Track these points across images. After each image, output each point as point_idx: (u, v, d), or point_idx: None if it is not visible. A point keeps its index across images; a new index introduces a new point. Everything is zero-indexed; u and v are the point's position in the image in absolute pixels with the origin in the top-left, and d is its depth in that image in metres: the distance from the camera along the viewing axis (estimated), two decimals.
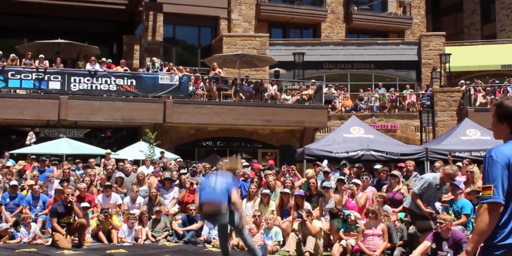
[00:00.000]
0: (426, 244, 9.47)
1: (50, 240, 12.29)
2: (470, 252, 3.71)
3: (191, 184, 14.36)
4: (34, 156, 17.97)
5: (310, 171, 15.14)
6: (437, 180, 9.87)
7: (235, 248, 11.93)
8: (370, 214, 10.55)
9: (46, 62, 22.97)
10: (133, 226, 12.96)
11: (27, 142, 21.72)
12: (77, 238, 12.19)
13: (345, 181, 13.54)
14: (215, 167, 8.51)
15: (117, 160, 18.63)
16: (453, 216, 10.22)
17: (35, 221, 13.24)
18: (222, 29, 32.40)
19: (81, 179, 15.32)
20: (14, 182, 14.68)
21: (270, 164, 19.67)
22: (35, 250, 11.37)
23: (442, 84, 31.14)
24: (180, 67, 25.69)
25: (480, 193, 3.76)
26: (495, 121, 3.94)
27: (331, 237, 11.68)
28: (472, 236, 3.74)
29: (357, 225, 10.85)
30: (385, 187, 13.33)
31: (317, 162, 17.12)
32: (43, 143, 20.89)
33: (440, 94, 29.06)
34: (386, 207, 11.97)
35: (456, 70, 32.44)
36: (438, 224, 9.37)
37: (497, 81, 28.76)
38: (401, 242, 10.77)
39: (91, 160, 18.41)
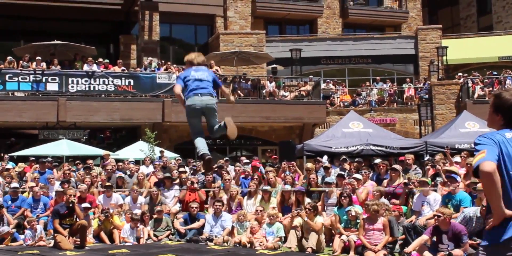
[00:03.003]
0: (424, 237, 9.51)
1: (52, 241, 12.32)
2: (497, 219, 3.72)
3: (192, 182, 14.38)
4: (34, 158, 17.98)
5: (309, 164, 15.19)
6: (477, 213, 9.81)
7: (237, 245, 11.97)
8: (369, 208, 10.58)
9: (44, 64, 22.96)
10: (136, 227, 13.00)
11: None
12: (79, 239, 12.21)
13: (345, 176, 13.61)
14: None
15: (117, 160, 18.65)
16: (452, 209, 10.25)
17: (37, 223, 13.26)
18: (219, 27, 32.38)
19: (81, 178, 15.39)
20: (15, 185, 14.70)
21: (274, 157, 19.63)
22: (37, 252, 11.39)
23: (440, 77, 31.15)
24: (174, 65, 25.65)
25: (473, 161, 3.75)
26: (491, 111, 3.99)
27: (333, 232, 11.72)
28: (490, 203, 3.73)
29: (358, 221, 10.88)
30: (385, 181, 13.37)
31: (317, 158, 17.13)
32: (42, 145, 20.89)
33: (438, 87, 29.06)
34: (386, 201, 12.00)
35: (454, 62, 32.45)
36: (436, 217, 9.42)
37: (495, 73, 28.74)
38: (403, 236, 10.81)
39: (90, 161, 18.43)
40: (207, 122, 7.53)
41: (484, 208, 9.49)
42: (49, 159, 17.78)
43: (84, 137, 23.38)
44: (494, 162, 3.63)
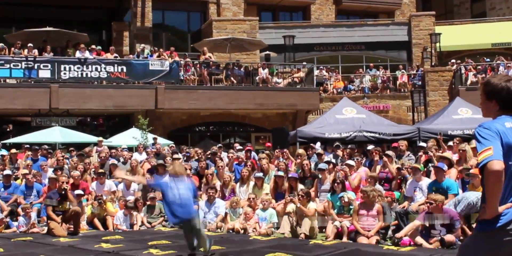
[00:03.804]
0: (416, 223, 9.56)
1: (45, 228, 12.32)
2: (489, 215, 3.70)
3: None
4: (28, 146, 17.92)
5: (301, 151, 15.18)
6: (479, 199, 9.78)
7: (231, 231, 12.01)
8: (362, 195, 10.63)
9: (36, 51, 22.83)
10: (130, 213, 13.01)
11: None
12: (72, 226, 12.22)
13: (334, 162, 13.68)
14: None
15: (110, 148, 18.63)
16: None
17: None
18: (212, 13, 32.24)
19: (74, 165, 15.38)
20: (7, 172, 14.67)
21: (268, 145, 19.66)
22: (31, 239, 11.38)
23: (433, 64, 31.18)
24: (172, 48, 25.57)
25: (479, 157, 3.72)
26: (483, 99, 3.99)
27: (326, 218, 11.75)
28: (487, 201, 3.69)
29: (351, 207, 10.92)
30: (378, 167, 13.42)
31: (311, 144, 17.16)
32: (35, 132, 20.84)
33: (431, 74, 29.10)
34: (379, 187, 12.05)
35: (447, 49, 32.46)
36: (428, 204, 9.46)
37: (488, 60, 28.79)
38: (396, 221, 10.85)
39: (88, 148, 18.40)
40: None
41: None
42: (46, 146, 17.73)
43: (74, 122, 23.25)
44: (502, 160, 3.61)
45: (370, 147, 15.40)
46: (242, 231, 11.80)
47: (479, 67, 28.03)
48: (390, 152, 13.85)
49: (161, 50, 25.64)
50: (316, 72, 28.01)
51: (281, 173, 13.17)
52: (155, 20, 30.92)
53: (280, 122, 26.14)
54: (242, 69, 25.85)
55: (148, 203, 13.53)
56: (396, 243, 9.76)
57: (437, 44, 31.35)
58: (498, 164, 3.57)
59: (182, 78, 24.47)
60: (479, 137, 3.75)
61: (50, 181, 13.76)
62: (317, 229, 11.34)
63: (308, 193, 11.49)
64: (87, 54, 23.45)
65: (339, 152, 16.21)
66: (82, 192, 13.22)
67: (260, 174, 13.51)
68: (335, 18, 35.02)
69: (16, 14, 30.04)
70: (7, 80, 22.89)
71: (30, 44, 22.90)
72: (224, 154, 17.26)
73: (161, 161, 15.17)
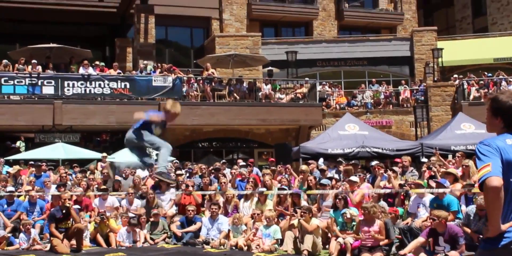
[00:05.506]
0: (420, 240, 9.53)
1: (48, 245, 12.30)
2: (492, 233, 3.69)
3: (186, 186, 14.36)
4: (32, 162, 17.90)
5: (304, 167, 15.19)
6: (472, 212, 9.81)
7: (234, 248, 11.97)
8: (363, 211, 10.60)
9: (39, 67, 22.93)
10: (133, 230, 12.99)
11: None
12: (75, 243, 12.19)
13: (333, 179, 13.67)
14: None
15: None
16: None
17: (33, 226, 13.23)
18: (214, 29, 32.39)
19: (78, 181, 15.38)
20: (11, 188, 14.66)
21: (271, 160, 19.61)
22: None
23: (435, 79, 31.21)
24: (169, 65, 25.64)
25: (479, 174, 3.70)
26: (489, 115, 3.95)
27: (329, 235, 11.72)
28: (488, 218, 3.69)
29: (353, 223, 10.89)
30: (382, 183, 13.38)
31: (308, 161, 17.09)
32: (38, 149, 20.85)
33: (433, 89, 29.10)
34: (383, 203, 12.02)
35: (449, 64, 32.49)
36: (431, 220, 9.44)
37: (489, 75, 28.81)
38: (399, 236, 10.82)
39: (92, 166, 18.39)
40: None
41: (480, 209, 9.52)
42: (44, 164, 17.70)
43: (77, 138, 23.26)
44: (501, 177, 3.59)
45: (374, 162, 15.38)
46: (245, 248, 11.77)
47: (482, 82, 28.03)
48: (396, 168, 13.85)
49: (164, 65, 25.72)
50: (318, 87, 28.04)
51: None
52: (158, 36, 31.05)
53: (283, 138, 26.13)
54: (245, 85, 25.90)
55: (151, 219, 13.51)
56: None
57: (439, 59, 31.40)
58: (496, 180, 3.56)
59: (185, 94, 24.52)
60: (479, 153, 3.75)
61: (54, 198, 13.76)
62: (321, 246, 11.31)
63: (309, 209, 11.47)
64: (90, 70, 23.54)
65: (342, 168, 16.18)
66: (79, 207, 13.22)
67: (263, 190, 13.50)
68: (337, 34, 35.15)
69: (20, 30, 30.18)
70: (11, 97, 22.94)
71: (34, 61, 23.00)
72: (227, 170, 17.24)
73: None
